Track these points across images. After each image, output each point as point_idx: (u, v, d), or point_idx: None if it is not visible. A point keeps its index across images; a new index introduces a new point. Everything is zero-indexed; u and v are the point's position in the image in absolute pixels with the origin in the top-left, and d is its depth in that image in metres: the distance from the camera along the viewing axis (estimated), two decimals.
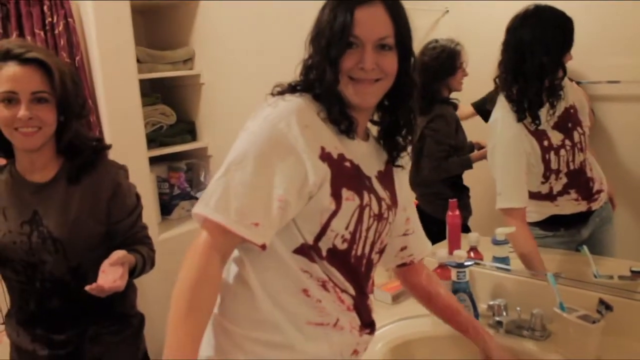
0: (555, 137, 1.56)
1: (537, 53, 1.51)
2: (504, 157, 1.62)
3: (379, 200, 1.10)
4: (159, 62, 2.50)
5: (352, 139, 1.07)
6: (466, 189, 1.90)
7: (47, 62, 1.32)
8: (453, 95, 1.87)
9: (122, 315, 1.50)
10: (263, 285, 1.06)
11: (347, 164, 1.05)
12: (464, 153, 1.88)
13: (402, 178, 1.23)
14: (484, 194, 1.86)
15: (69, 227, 1.37)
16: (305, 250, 1.05)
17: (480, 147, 1.86)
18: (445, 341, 1.47)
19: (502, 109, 1.59)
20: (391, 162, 1.18)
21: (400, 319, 1.57)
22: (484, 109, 1.78)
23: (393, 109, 1.14)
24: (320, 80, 1.05)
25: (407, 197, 1.28)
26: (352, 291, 1.10)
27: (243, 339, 1.07)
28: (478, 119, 1.82)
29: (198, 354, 0.96)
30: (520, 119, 1.56)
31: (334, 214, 1.02)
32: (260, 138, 1.00)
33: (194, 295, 0.96)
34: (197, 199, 2.53)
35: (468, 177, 1.90)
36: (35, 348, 1.43)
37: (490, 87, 1.67)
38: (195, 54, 2.57)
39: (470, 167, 1.86)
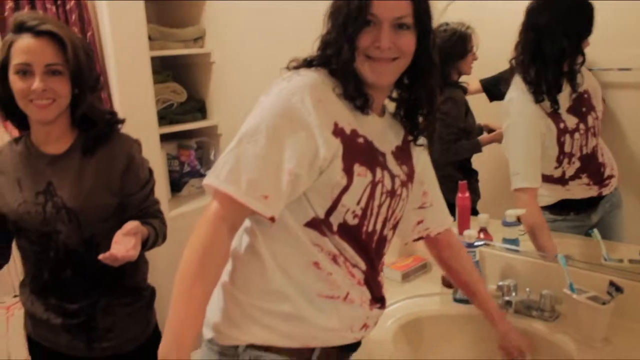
0: (570, 121, 1.56)
1: (557, 36, 1.50)
2: (520, 137, 1.62)
3: (393, 177, 1.10)
4: (169, 40, 2.49)
5: (366, 114, 1.07)
6: (475, 173, 1.90)
7: (61, 34, 1.32)
8: (462, 79, 1.86)
9: (133, 287, 1.51)
10: (274, 256, 1.07)
11: (360, 139, 1.05)
12: (473, 136, 1.88)
13: (420, 152, 1.23)
14: (491, 178, 1.87)
15: (82, 198, 1.38)
16: (317, 224, 1.06)
17: (490, 131, 1.86)
18: (454, 319, 1.48)
19: (517, 90, 1.59)
20: (413, 141, 1.19)
21: (410, 297, 1.59)
22: (491, 88, 1.80)
23: (412, 87, 1.14)
24: (337, 57, 1.05)
25: (425, 170, 1.28)
26: (362, 266, 1.11)
27: (253, 308, 1.08)
28: (486, 103, 1.82)
29: (202, 323, 0.99)
30: (537, 100, 1.55)
31: (345, 189, 1.03)
32: (273, 112, 1.00)
33: (201, 265, 0.97)
34: (205, 176, 2.55)
35: (475, 161, 1.91)
36: (48, 317, 1.44)
37: (499, 71, 1.69)
38: (206, 32, 2.56)
39: (479, 150, 1.86)
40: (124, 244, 1.28)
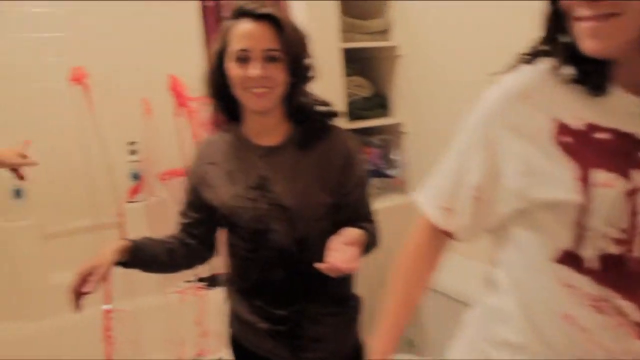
0: None
1: None
2: None
3: None
4: (357, 32, 2.40)
5: (606, 96, 0.82)
6: None
7: (280, 18, 1.24)
8: None
9: (341, 296, 1.41)
10: (521, 302, 0.90)
11: (603, 135, 0.81)
12: None
13: None
14: None
15: (298, 195, 1.29)
16: (568, 259, 0.84)
17: None
18: None
19: None
20: None
21: None
22: None
23: None
24: (547, 27, 0.85)
25: None
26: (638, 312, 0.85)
27: None
28: None
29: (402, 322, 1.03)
30: None
31: (584, 209, 0.80)
32: (473, 119, 0.91)
33: (404, 267, 1.03)
34: (388, 176, 2.44)
35: None
36: (254, 320, 1.38)
37: None
38: (394, 24, 2.43)
39: None
40: (342, 253, 1.18)
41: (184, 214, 1.45)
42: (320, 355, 1.38)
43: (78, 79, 2.60)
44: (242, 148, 1.36)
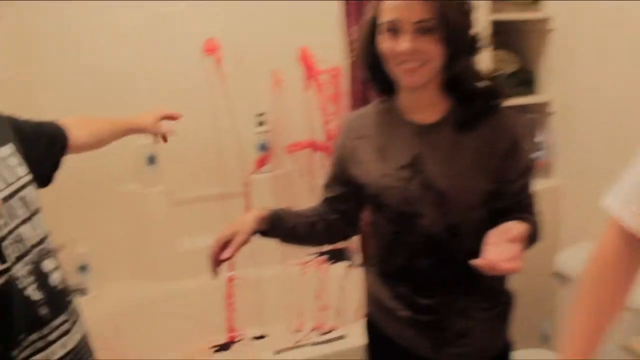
0: None
1: None
2: None
3: None
4: (505, 2, 2.21)
5: None
6: None
7: None
8: None
9: (493, 291, 1.30)
10: None
11: None
12: None
13: None
14: None
15: (454, 179, 1.19)
16: None
17: None
18: None
19: None
20: None
21: None
22: None
23: None
24: None
25: None
26: None
27: None
28: None
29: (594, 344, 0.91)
30: None
31: None
32: None
33: (590, 285, 0.92)
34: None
35: None
36: (395, 307, 1.30)
37: None
38: None
39: None
40: (503, 250, 1.04)
41: (328, 188, 1.40)
42: (464, 351, 1.28)
43: (211, 50, 2.62)
44: (395, 124, 1.27)
